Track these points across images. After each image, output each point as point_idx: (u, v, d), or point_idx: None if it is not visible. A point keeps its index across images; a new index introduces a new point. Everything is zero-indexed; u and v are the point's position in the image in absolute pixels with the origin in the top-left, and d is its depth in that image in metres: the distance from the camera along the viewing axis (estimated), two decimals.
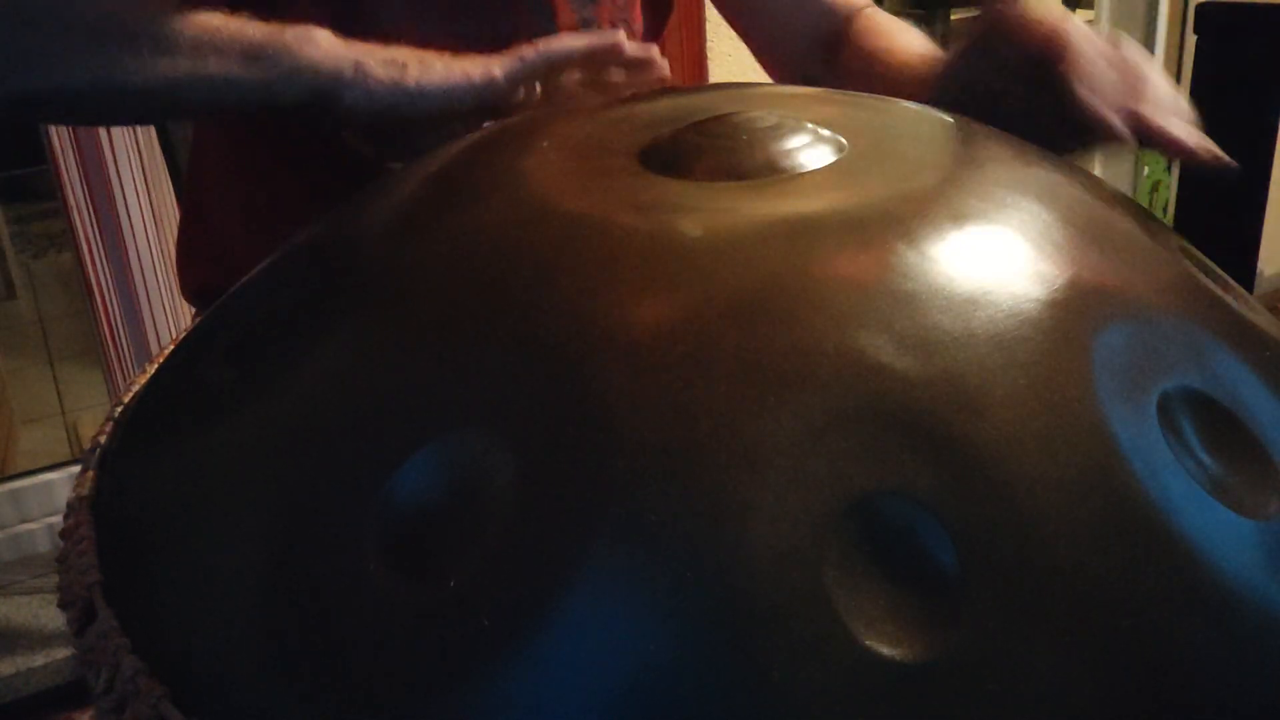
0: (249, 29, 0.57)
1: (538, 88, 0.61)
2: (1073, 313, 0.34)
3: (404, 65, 0.57)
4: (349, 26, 0.63)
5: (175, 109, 0.70)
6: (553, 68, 0.60)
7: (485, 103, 0.58)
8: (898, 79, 0.66)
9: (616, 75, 0.63)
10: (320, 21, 0.62)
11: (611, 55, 0.61)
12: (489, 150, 0.46)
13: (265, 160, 0.72)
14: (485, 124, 0.59)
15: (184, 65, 0.56)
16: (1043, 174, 0.42)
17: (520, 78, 0.59)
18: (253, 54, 0.56)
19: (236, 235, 0.74)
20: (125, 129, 1.58)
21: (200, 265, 0.78)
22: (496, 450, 0.31)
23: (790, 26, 0.79)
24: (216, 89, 0.57)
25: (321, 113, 0.58)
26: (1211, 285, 0.39)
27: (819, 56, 0.78)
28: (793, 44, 0.79)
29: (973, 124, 0.46)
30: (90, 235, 1.62)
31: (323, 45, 0.57)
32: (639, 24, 0.77)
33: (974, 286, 0.34)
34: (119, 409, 0.45)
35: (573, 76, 0.62)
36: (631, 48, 0.62)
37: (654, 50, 0.63)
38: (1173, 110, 0.53)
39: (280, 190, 0.71)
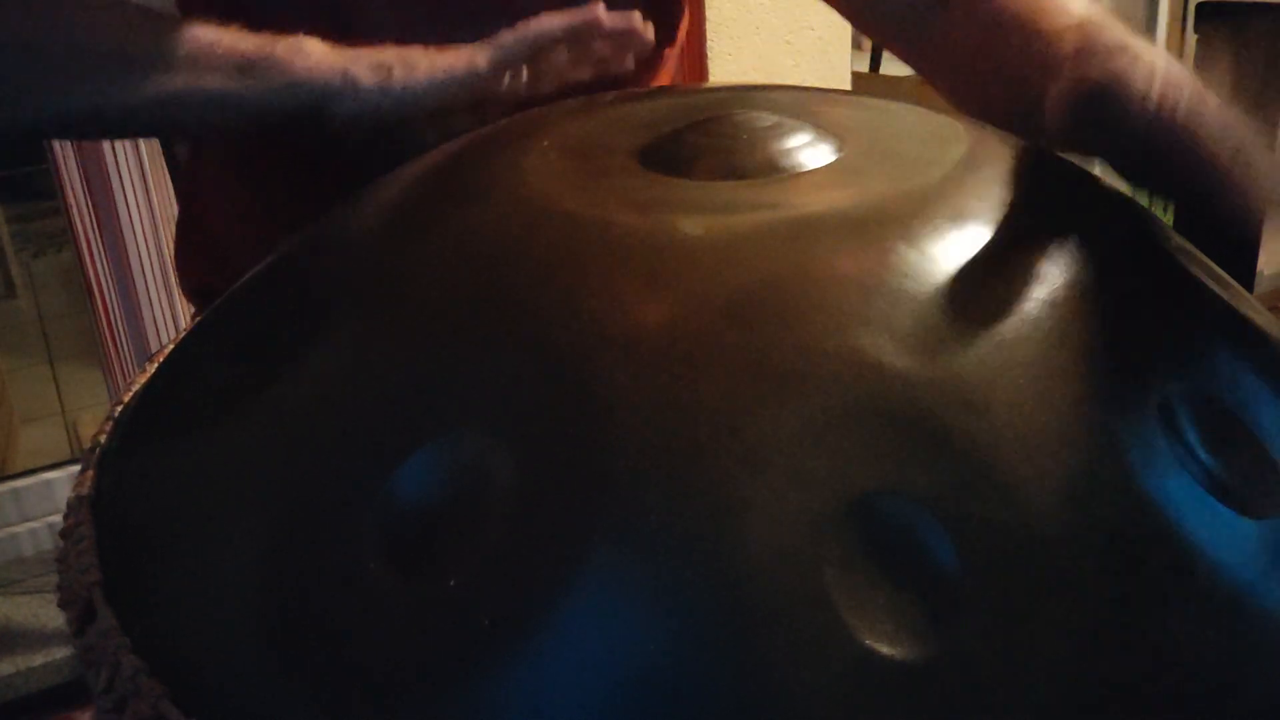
0: (241, 43, 0.58)
1: (524, 72, 0.61)
2: (1073, 312, 0.34)
3: (389, 68, 0.58)
4: (337, 37, 0.63)
5: (173, 126, 0.71)
6: (535, 50, 0.60)
7: (473, 93, 0.59)
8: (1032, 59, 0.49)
9: (601, 49, 0.63)
10: (308, 33, 0.62)
11: (592, 29, 0.61)
12: (489, 149, 0.46)
13: (264, 160, 0.72)
14: (480, 115, 0.59)
15: (179, 82, 0.57)
16: (1042, 174, 0.42)
17: (503, 63, 0.59)
18: (245, 69, 0.58)
19: (234, 235, 0.74)
20: None
21: (198, 264, 0.78)
22: (496, 450, 0.31)
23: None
24: (212, 104, 0.58)
25: (316, 122, 0.58)
26: (1211, 285, 0.39)
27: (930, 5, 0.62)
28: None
29: (974, 123, 0.46)
30: (90, 234, 1.62)
31: (313, 56, 0.58)
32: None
33: (974, 286, 0.34)
34: (119, 408, 0.45)
35: (559, 56, 0.62)
36: (611, 19, 0.61)
37: (635, 18, 0.62)
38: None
39: (279, 190, 0.71)
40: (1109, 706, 0.28)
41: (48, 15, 0.58)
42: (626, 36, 0.62)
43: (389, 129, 0.58)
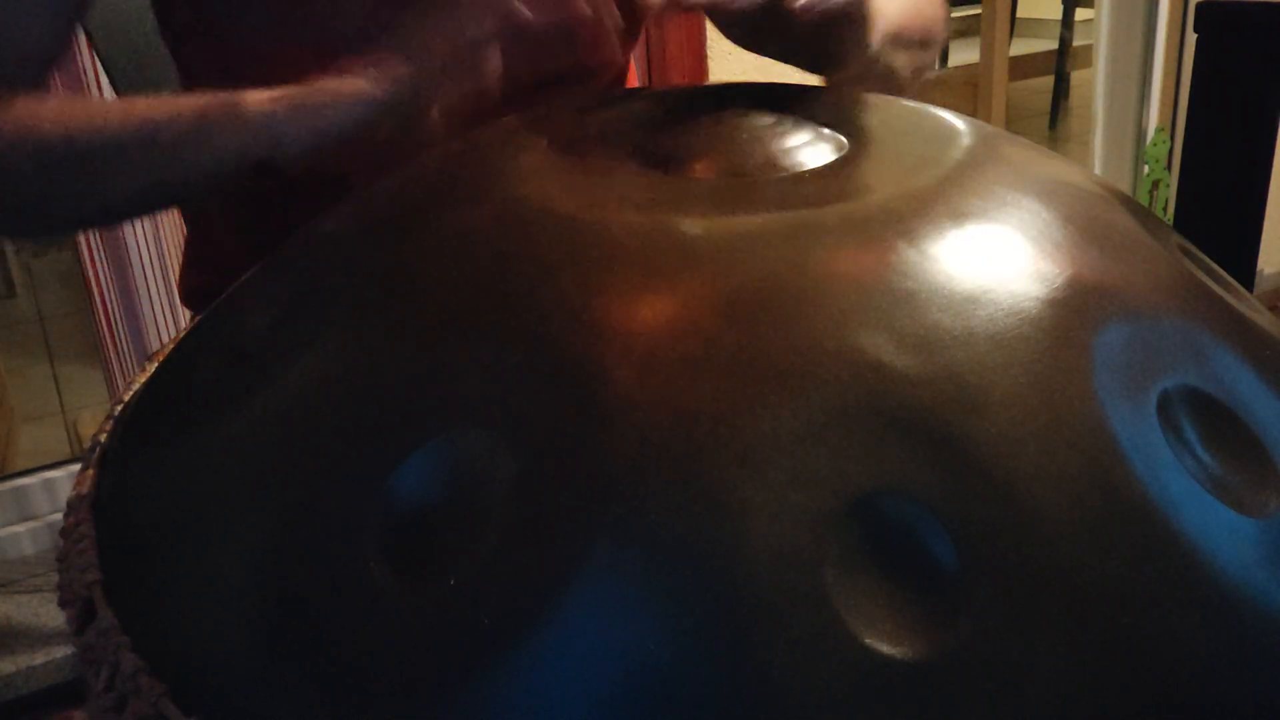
0: (180, 115, 0.57)
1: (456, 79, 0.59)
2: (1072, 311, 0.34)
3: (316, 109, 0.57)
4: (303, 34, 0.62)
5: (155, 209, 0.70)
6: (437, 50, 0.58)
7: (401, 109, 0.58)
8: None
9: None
10: (298, 62, 0.61)
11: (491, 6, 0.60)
12: (487, 149, 0.46)
13: (267, 192, 0.72)
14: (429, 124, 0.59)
15: (141, 179, 0.57)
16: (1043, 173, 0.42)
17: (420, 78, 0.58)
18: (184, 142, 0.57)
19: (236, 240, 0.74)
20: None
21: (200, 269, 0.78)
22: (496, 450, 0.31)
23: None
24: (174, 189, 0.59)
25: (274, 171, 0.58)
26: (1211, 284, 0.39)
27: None
28: None
29: (974, 123, 0.46)
30: (90, 234, 1.62)
31: (246, 114, 0.57)
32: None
33: (974, 285, 0.34)
34: (119, 408, 0.45)
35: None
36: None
37: None
38: None
39: (279, 195, 0.71)
40: (1108, 707, 0.28)
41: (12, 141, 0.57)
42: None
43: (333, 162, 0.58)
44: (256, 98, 0.57)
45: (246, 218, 0.74)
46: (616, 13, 0.73)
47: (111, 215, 0.63)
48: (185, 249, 0.81)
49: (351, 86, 0.58)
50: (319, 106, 0.57)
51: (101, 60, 0.86)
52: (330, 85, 0.58)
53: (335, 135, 0.57)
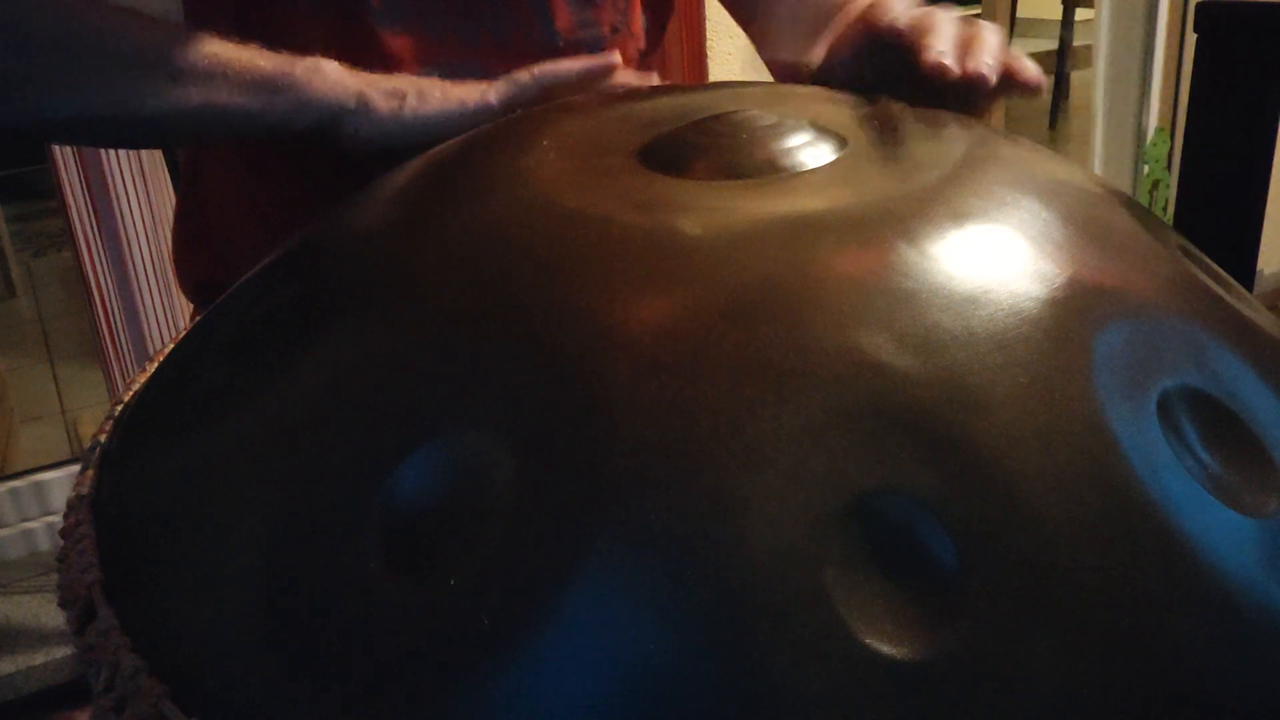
0: (259, 60, 0.60)
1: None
2: (1073, 311, 0.34)
3: (403, 95, 0.60)
4: (349, 31, 0.63)
5: (184, 137, 0.72)
6: (548, 91, 0.61)
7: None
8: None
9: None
10: (321, 26, 0.62)
11: (607, 78, 0.62)
12: (489, 148, 0.46)
13: (267, 155, 0.72)
14: None
15: (195, 95, 0.59)
16: (1043, 173, 0.42)
17: (515, 101, 0.60)
18: (262, 85, 0.59)
19: (237, 229, 0.75)
20: None
21: (199, 259, 0.78)
22: (496, 449, 0.31)
23: (793, 27, 0.79)
24: (224, 118, 0.60)
25: (325, 140, 0.60)
26: (1211, 284, 0.39)
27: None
28: (793, 42, 0.79)
29: (974, 122, 0.46)
30: (90, 234, 1.62)
31: (330, 77, 0.60)
32: (639, 25, 0.77)
33: (974, 285, 0.34)
34: (119, 408, 0.45)
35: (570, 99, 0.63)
36: (628, 71, 0.63)
37: (653, 76, 0.65)
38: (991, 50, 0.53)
39: (282, 185, 0.72)
40: (1108, 706, 0.28)
41: (79, 18, 0.59)
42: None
43: (395, 154, 0.59)
44: (339, 67, 0.60)
45: (248, 183, 0.74)
46: (640, 44, 0.75)
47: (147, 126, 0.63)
48: (176, 230, 0.81)
49: (455, 92, 0.60)
50: (416, 96, 0.59)
51: None
52: (428, 83, 0.60)
53: (420, 130, 0.59)
